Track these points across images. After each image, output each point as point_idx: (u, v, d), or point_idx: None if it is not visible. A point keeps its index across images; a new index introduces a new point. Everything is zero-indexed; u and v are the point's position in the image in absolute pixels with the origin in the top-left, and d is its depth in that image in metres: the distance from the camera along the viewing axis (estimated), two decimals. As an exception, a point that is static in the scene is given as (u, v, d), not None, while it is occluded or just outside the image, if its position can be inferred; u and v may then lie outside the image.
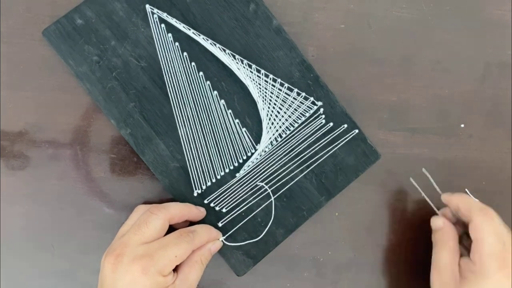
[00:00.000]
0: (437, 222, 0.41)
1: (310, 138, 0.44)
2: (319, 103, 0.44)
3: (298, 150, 0.43)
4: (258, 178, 0.43)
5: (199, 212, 0.41)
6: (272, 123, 0.43)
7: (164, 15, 0.42)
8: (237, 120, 0.43)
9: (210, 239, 0.39)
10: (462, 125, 0.47)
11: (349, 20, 0.46)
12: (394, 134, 0.46)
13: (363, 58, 0.46)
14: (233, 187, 0.43)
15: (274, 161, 0.43)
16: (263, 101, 0.43)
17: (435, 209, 0.42)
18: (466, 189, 0.47)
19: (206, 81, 0.43)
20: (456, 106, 0.47)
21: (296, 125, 0.44)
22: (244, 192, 0.43)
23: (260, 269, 0.43)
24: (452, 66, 0.47)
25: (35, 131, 0.42)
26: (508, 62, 0.48)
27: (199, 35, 0.43)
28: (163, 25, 0.43)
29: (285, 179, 0.43)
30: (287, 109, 0.44)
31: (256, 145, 0.43)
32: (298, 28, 0.45)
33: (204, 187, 0.42)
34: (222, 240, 0.41)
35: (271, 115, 0.43)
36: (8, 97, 0.42)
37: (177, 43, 0.43)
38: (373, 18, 0.46)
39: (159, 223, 0.37)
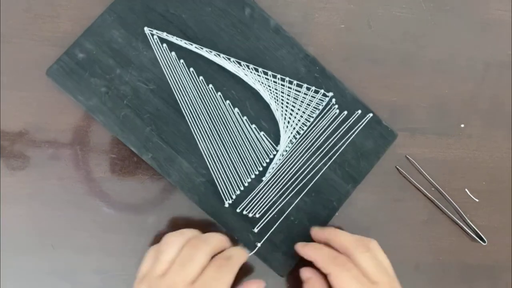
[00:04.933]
0: (305, 274, 0.39)
1: (328, 130, 0.44)
2: (330, 94, 0.44)
3: (318, 144, 0.44)
4: (284, 178, 0.43)
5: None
6: (288, 122, 0.43)
7: (164, 35, 0.42)
8: (253, 126, 0.43)
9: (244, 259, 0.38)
10: (462, 125, 0.47)
11: (349, 20, 0.46)
12: (394, 134, 0.46)
13: (363, 58, 0.46)
14: (261, 191, 0.43)
15: (296, 159, 0.43)
16: (275, 102, 0.43)
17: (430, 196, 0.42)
18: (466, 189, 0.47)
19: (217, 93, 0.43)
20: (456, 106, 0.47)
21: (311, 119, 0.44)
22: (273, 195, 0.43)
23: (260, 270, 0.43)
24: (452, 66, 0.47)
25: (35, 131, 0.42)
26: (508, 62, 0.48)
27: (202, 48, 0.42)
28: (164, 45, 0.42)
29: (310, 174, 0.43)
30: (300, 105, 0.44)
31: (277, 146, 0.43)
32: (298, 28, 0.45)
33: (233, 196, 0.42)
34: (256, 244, 0.41)
35: (285, 114, 0.43)
36: (8, 97, 0.42)
37: (182, 60, 0.43)
38: (373, 18, 0.46)
39: (205, 259, 0.35)
